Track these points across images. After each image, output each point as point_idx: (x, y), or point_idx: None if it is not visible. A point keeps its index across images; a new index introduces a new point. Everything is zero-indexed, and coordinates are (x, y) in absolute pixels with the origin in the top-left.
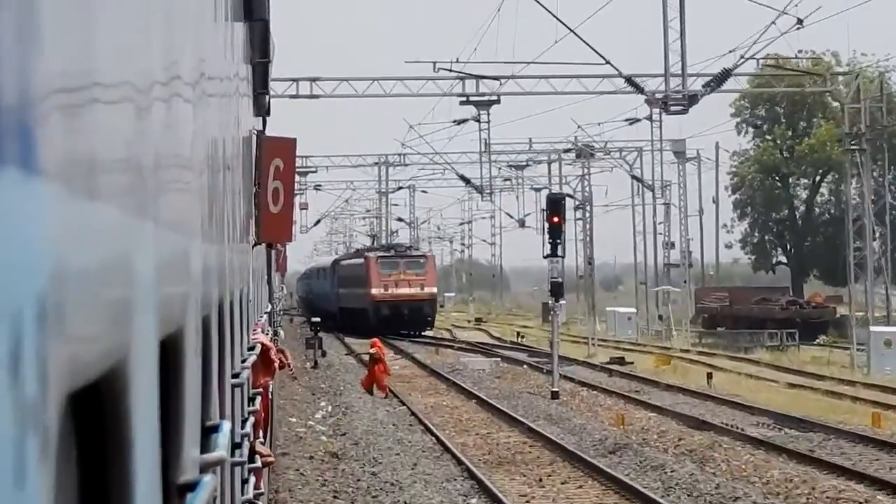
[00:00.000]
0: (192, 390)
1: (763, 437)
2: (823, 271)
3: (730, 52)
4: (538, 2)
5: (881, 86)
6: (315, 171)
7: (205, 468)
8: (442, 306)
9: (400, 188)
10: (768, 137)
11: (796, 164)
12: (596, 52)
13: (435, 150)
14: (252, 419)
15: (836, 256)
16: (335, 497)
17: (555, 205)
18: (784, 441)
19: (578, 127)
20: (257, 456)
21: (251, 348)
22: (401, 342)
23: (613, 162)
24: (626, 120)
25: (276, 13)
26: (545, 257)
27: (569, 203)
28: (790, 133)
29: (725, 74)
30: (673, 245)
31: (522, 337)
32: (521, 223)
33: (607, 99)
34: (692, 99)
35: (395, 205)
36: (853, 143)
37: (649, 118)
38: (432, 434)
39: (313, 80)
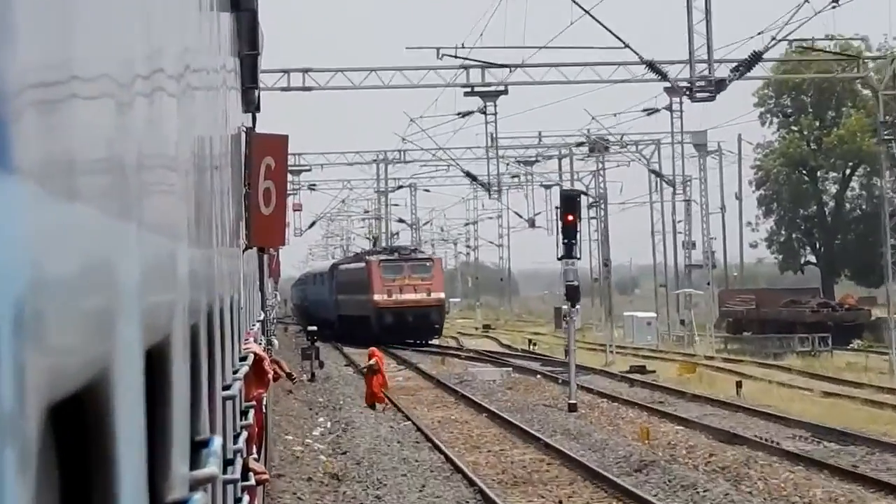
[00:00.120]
0: (181, 403)
1: (801, 451)
2: (855, 271)
3: (758, 34)
4: None
5: None
6: (309, 170)
7: (195, 486)
8: (447, 312)
9: (400, 187)
10: (794, 128)
11: (825, 157)
12: (614, 35)
13: (438, 145)
14: (245, 434)
15: (869, 255)
16: None
17: (569, 202)
18: (824, 456)
19: (593, 118)
20: (251, 473)
21: (243, 358)
22: (403, 351)
23: (630, 156)
24: (645, 110)
25: (265, 2)
26: (559, 259)
27: (582, 201)
28: (818, 123)
29: (756, 57)
30: (694, 245)
31: (534, 345)
32: (531, 223)
33: (622, 89)
34: (719, 84)
35: (396, 205)
36: (888, 133)
37: (668, 108)
38: (440, 452)
39: (305, 71)
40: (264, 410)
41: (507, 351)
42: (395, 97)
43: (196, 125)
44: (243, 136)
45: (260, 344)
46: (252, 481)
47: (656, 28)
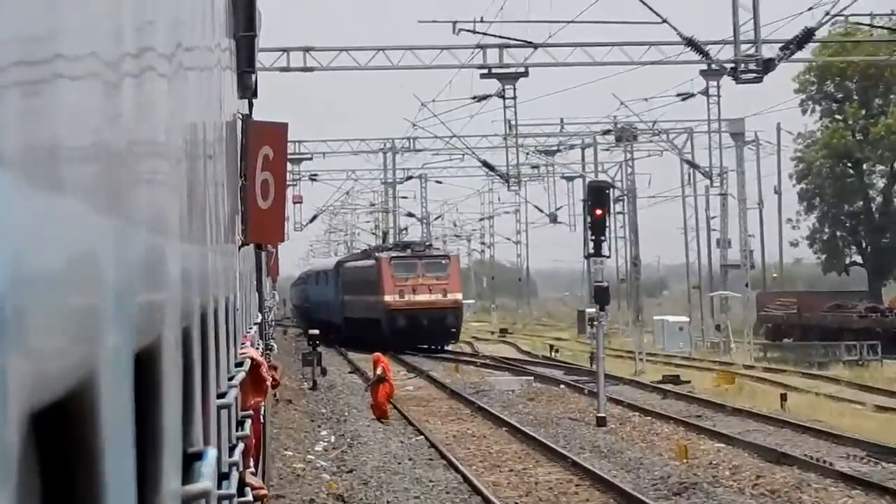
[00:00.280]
0: (172, 411)
1: (857, 472)
2: None
3: (809, 9)
4: None
5: None
6: (310, 159)
7: (187, 501)
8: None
9: (409, 178)
10: (838, 117)
11: (871, 149)
12: (651, 8)
13: (451, 132)
14: (241, 446)
15: None
16: None
17: (598, 194)
18: (883, 478)
19: (622, 103)
20: (247, 488)
21: (239, 364)
22: (414, 357)
23: (662, 145)
24: (679, 94)
25: None
26: (586, 257)
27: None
28: (863, 112)
29: (808, 35)
30: (730, 243)
31: (557, 351)
32: (553, 218)
33: (652, 72)
34: (767, 64)
35: (404, 197)
36: None
37: (705, 93)
38: (457, 471)
39: (306, 50)
40: (262, 420)
41: (526, 358)
42: (405, 79)
43: (188, 109)
44: (239, 123)
45: (257, 348)
46: (249, 497)
47: (690, 4)
